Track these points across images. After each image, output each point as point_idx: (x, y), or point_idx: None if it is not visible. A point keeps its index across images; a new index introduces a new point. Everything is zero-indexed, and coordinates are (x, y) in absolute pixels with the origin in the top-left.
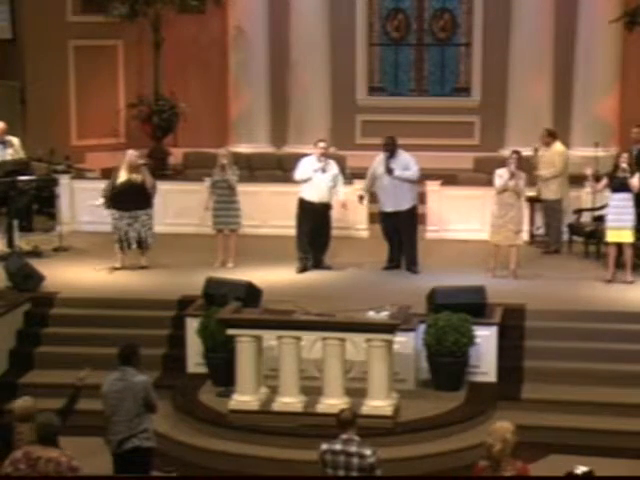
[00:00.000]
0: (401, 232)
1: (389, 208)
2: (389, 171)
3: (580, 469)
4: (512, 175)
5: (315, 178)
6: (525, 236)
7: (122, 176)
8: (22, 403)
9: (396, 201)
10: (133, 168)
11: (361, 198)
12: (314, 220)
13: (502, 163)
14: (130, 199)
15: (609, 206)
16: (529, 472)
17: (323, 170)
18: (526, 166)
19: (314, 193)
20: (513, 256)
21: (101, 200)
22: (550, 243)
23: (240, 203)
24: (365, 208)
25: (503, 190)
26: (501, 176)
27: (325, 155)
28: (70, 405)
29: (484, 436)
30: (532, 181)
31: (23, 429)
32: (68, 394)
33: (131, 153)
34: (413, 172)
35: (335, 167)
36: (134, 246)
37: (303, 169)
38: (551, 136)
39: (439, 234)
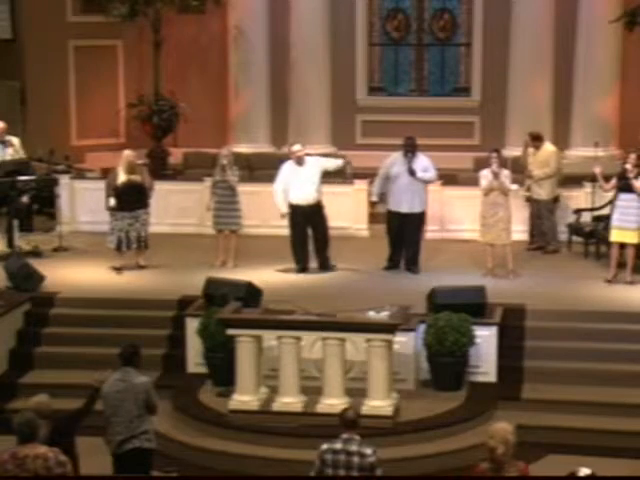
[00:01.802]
0: (408, 233)
1: (404, 209)
2: (411, 172)
3: (583, 471)
4: (495, 175)
5: (296, 182)
6: (524, 236)
7: (121, 177)
8: (37, 400)
9: (412, 202)
10: (132, 168)
11: (373, 204)
12: (306, 222)
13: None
14: (131, 199)
15: (615, 206)
16: (529, 472)
17: (300, 172)
18: (516, 166)
19: (299, 196)
20: (508, 256)
21: (112, 201)
22: (547, 243)
23: (241, 204)
24: (366, 208)
25: (489, 190)
26: (486, 177)
27: (300, 157)
28: (88, 406)
29: (485, 437)
30: (521, 181)
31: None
32: (86, 395)
33: (128, 154)
34: (433, 174)
35: (316, 163)
36: (135, 245)
37: (279, 178)
38: (537, 140)
39: (439, 234)
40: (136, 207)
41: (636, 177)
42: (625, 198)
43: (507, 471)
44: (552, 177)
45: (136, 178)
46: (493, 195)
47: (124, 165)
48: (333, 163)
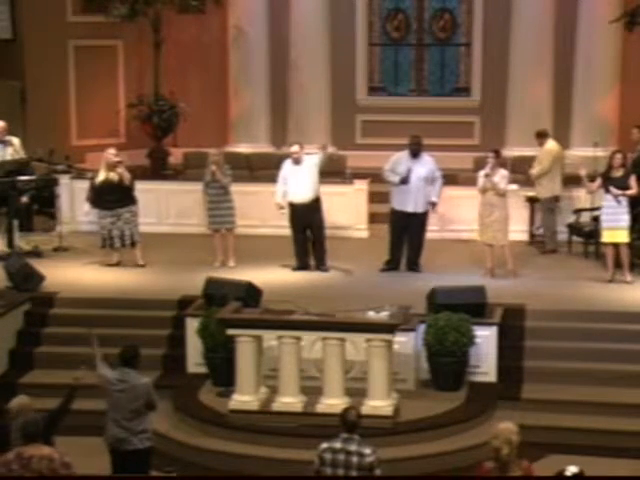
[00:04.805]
0: (412, 233)
1: (410, 209)
2: (403, 181)
3: (570, 470)
4: (487, 175)
5: (293, 181)
6: (525, 236)
7: (101, 175)
8: (19, 401)
9: (417, 203)
10: (111, 166)
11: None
12: (303, 221)
13: (502, 164)
14: (110, 198)
15: (603, 207)
16: (533, 471)
17: (298, 172)
18: (517, 166)
19: (296, 195)
20: (507, 256)
21: (87, 206)
22: (545, 243)
23: (234, 202)
24: (365, 207)
25: (484, 190)
26: (481, 176)
27: (297, 158)
28: (66, 405)
29: (488, 437)
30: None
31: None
32: (64, 394)
33: (107, 152)
34: (440, 181)
35: (311, 161)
36: (117, 245)
37: (280, 174)
38: (540, 137)
39: (439, 234)
40: (116, 206)
41: (627, 176)
42: (612, 198)
43: (512, 470)
44: (547, 174)
45: (113, 177)
46: (488, 195)
47: (103, 164)
48: (319, 158)
